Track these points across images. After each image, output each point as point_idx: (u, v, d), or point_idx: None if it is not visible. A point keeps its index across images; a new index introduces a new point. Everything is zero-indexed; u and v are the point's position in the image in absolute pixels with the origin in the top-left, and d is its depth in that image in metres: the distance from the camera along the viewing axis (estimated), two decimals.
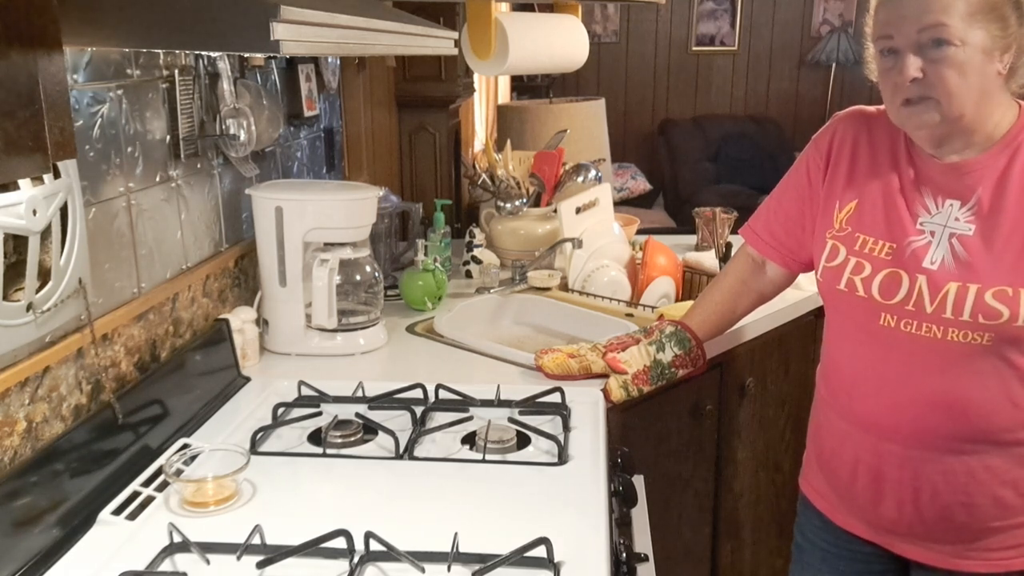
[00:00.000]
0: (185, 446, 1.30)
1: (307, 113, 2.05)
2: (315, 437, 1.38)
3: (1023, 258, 1.18)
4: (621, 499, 1.32)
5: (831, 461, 1.39)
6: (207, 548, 1.06)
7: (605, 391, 1.54)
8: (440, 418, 1.43)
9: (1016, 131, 1.22)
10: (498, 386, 1.51)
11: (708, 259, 2.19)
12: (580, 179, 2.47)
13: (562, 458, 1.30)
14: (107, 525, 1.13)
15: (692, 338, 1.57)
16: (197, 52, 1.52)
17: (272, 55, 1.19)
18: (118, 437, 1.25)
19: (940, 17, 1.13)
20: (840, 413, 1.35)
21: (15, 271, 1.06)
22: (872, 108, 1.37)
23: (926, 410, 1.23)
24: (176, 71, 1.48)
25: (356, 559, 1.03)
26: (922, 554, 1.32)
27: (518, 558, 1.02)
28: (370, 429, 1.39)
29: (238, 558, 1.05)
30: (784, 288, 1.59)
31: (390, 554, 1.03)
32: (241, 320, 1.64)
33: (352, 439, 1.37)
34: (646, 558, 1.23)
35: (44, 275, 1.11)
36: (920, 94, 1.17)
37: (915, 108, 1.19)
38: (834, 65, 5.80)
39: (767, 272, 1.55)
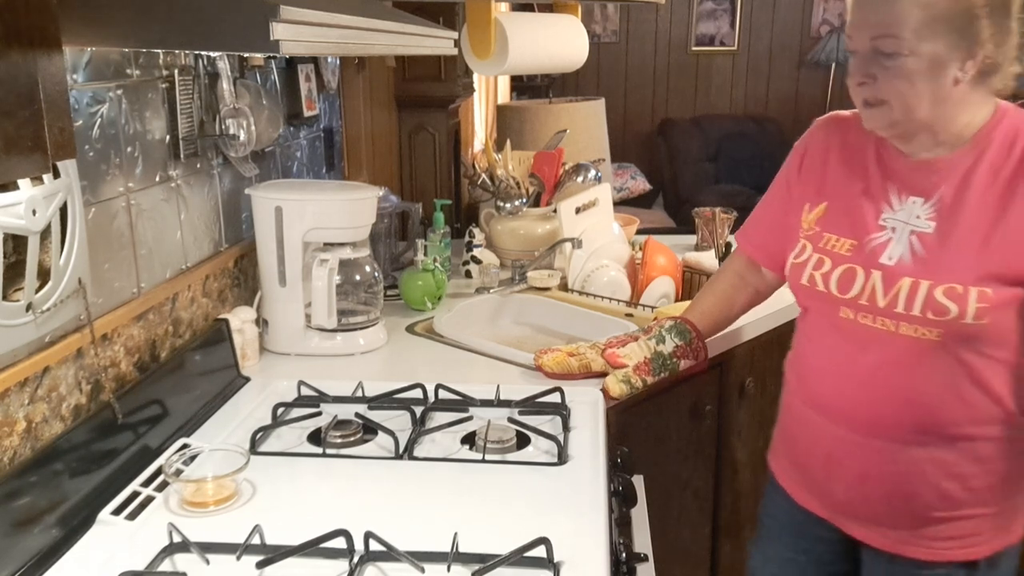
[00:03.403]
0: (185, 446, 1.30)
1: (307, 113, 2.05)
2: (315, 437, 1.38)
3: (978, 256, 1.19)
4: (621, 499, 1.32)
5: (792, 441, 1.45)
6: (207, 548, 1.06)
7: (604, 389, 1.54)
8: (440, 418, 1.43)
9: (987, 131, 1.23)
10: (498, 386, 1.51)
11: (708, 259, 2.19)
12: (580, 179, 2.47)
13: (562, 458, 1.30)
14: (107, 525, 1.13)
15: (692, 330, 1.59)
16: (197, 52, 1.53)
17: (272, 55, 1.19)
18: (118, 437, 1.25)
19: (891, 28, 1.16)
20: (802, 399, 1.40)
21: (15, 271, 1.06)
22: (847, 112, 1.40)
23: (877, 400, 1.27)
24: (176, 71, 1.48)
25: (356, 559, 1.03)
26: (869, 536, 1.37)
27: (518, 558, 1.02)
28: (370, 429, 1.39)
29: (238, 558, 1.05)
30: (779, 287, 1.61)
31: (390, 554, 1.03)
32: (241, 320, 1.64)
33: (352, 439, 1.37)
34: (646, 558, 1.23)
35: (44, 275, 1.10)
36: (873, 96, 1.22)
37: (871, 111, 1.24)
38: (834, 65, 5.80)
39: (763, 270, 1.58)
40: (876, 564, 1.38)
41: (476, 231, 2.32)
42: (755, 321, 1.85)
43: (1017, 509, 1.33)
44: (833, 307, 1.30)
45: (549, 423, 1.42)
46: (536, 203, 2.49)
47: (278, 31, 0.79)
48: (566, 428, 1.40)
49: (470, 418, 1.43)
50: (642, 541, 1.30)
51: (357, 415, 1.41)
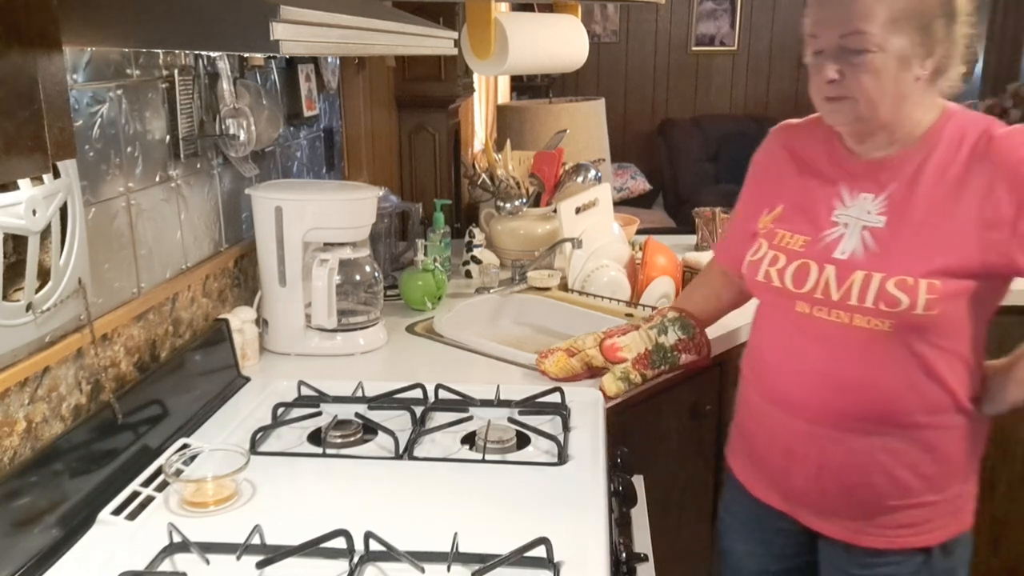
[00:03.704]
0: (185, 446, 1.30)
1: (307, 113, 2.05)
2: (315, 437, 1.38)
3: (927, 250, 1.24)
4: (621, 499, 1.32)
5: (750, 436, 1.47)
6: (207, 548, 1.06)
7: (601, 388, 1.54)
8: (440, 418, 1.43)
9: (935, 130, 1.28)
10: (498, 386, 1.51)
11: (707, 259, 2.18)
12: (580, 179, 2.47)
13: (562, 458, 1.30)
14: (107, 525, 1.13)
15: (696, 324, 1.61)
16: (197, 52, 1.53)
17: (272, 55, 1.18)
18: (118, 437, 1.25)
19: (860, 24, 1.20)
20: (759, 392, 1.43)
21: (15, 271, 1.06)
22: (798, 120, 1.47)
23: (833, 391, 1.30)
24: (176, 71, 1.48)
25: (356, 559, 1.03)
26: (826, 527, 1.39)
27: (518, 558, 1.02)
28: (370, 429, 1.39)
29: (238, 558, 1.05)
30: None
31: (390, 554, 1.03)
32: (241, 320, 1.64)
33: (352, 439, 1.37)
34: (646, 558, 1.23)
35: (44, 275, 1.10)
36: (839, 94, 1.25)
37: (835, 106, 1.27)
38: None
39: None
40: (833, 554, 1.41)
41: (476, 231, 2.32)
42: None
43: (967, 496, 1.36)
44: (789, 301, 1.33)
45: (549, 423, 1.42)
46: (536, 203, 2.49)
47: (278, 31, 0.79)
48: (566, 428, 1.40)
49: (470, 418, 1.43)
50: (642, 541, 1.30)
51: (357, 415, 1.41)
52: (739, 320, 1.73)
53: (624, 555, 1.18)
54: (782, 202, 1.41)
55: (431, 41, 1.31)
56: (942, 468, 1.31)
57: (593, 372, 1.60)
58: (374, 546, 1.04)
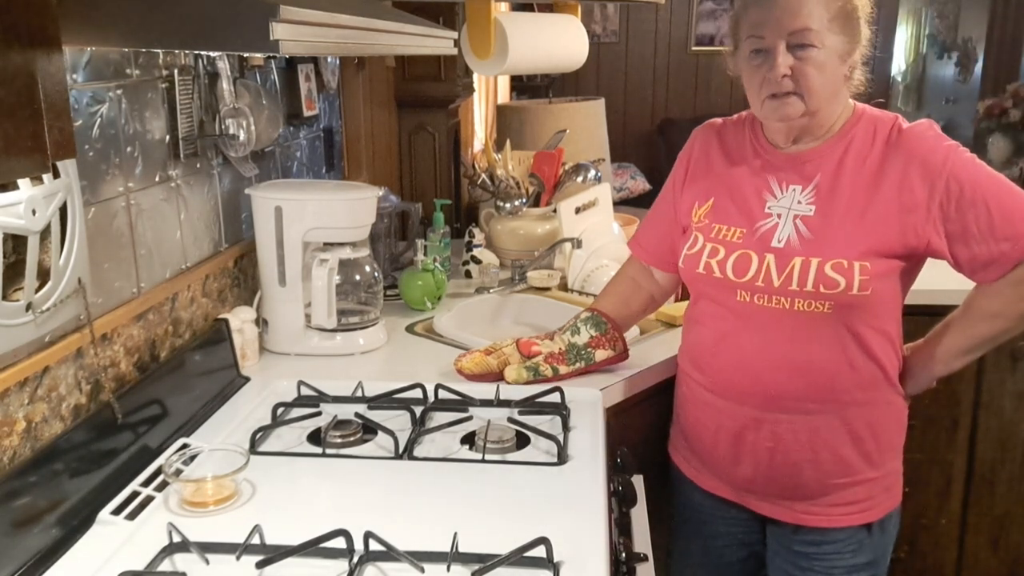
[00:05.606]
0: (184, 446, 1.30)
1: (306, 113, 2.05)
2: (314, 437, 1.38)
3: (856, 234, 1.32)
4: (620, 499, 1.32)
5: (695, 429, 1.52)
6: (206, 548, 1.06)
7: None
8: (440, 418, 1.43)
9: (850, 126, 1.39)
10: (497, 386, 1.51)
11: None
12: (580, 179, 2.47)
13: (561, 458, 1.30)
14: (106, 525, 1.13)
15: (608, 322, 1.62)
16: (197, 52, 1.53)
17: (272, 55, 1.19)
18: (118, 437, 1.25)
19: (806, 22, 1.29)
20: (702, 384, 1.47)
21: (14, 271, 1.06)
22: (720, 119, 1.55)
23: (779, 374, 1.37)
24: (175, 71, 1.48)
25: (355, 559, 1.03)
26: (774, 510, 1.47)
27: (517, 558, 1.02)
28: (369, 429, 1.39)
29: (237, 558, 1.05)
30: (672, 292, 1.70)
31: (389, 554, 1.03)
32: (240, 320, 1.64)
33: (351, 439, 1.37)
34: (646, 558, 1.23)
35: (43, 275, 1.11)
36: (790, 89, 1.31)
37: (780, 101, 1.33)
38: None
39: (655, 275, 1.65)
40: (781, 536, 1.49)
41: (476, 231, 2.32)
42: None
43: (897, 473, 1.47)
44: (730, 292, 1.39)
45: (549, 423, 1.42)
46: (536, 203, 2.49)
47: (278, 31, 0.79)
48: (566, 428, 1.40)
49: (470, 418, 1.43)
50: (642, 541, 1.30)
51: (357, 415, 1.41)
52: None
53: (624, 555, 1.18)
54: (713, 195, 1.47)
55: (431, 41, 1.31)
56: (879, 444, 1.41)
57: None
58: (374, 546, 1.04)
